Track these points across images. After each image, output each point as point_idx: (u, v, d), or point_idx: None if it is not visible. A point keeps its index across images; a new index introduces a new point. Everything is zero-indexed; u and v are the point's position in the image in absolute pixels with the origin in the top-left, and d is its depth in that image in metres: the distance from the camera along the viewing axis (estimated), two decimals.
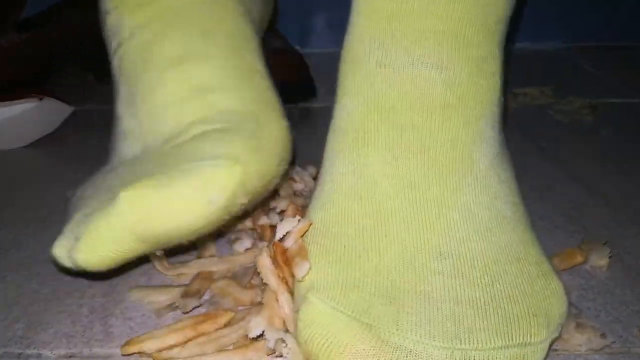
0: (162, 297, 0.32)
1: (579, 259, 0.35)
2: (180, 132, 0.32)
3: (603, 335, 0.29)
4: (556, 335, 0.27)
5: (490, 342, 0.25)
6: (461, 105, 0.31)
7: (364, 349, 0.25)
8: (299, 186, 0.40)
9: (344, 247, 0.29)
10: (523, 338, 0.25)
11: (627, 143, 0.53)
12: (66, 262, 0.28)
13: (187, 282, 0.33)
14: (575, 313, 0.30)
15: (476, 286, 0.27)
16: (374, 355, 0.24)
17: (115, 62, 0.36)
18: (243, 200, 0.29)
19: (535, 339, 0.26)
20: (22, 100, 0.50)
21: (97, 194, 0.31)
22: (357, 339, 0.25)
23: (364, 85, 0.32)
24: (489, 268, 0.28)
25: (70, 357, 0.29)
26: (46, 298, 0.33)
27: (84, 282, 0.34)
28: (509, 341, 0.25)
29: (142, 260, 0.32)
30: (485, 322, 0.26)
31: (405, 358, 0.25)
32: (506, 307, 0.26)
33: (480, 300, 0.27)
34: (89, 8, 0.64)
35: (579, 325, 0.29)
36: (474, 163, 0.30)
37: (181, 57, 0.33)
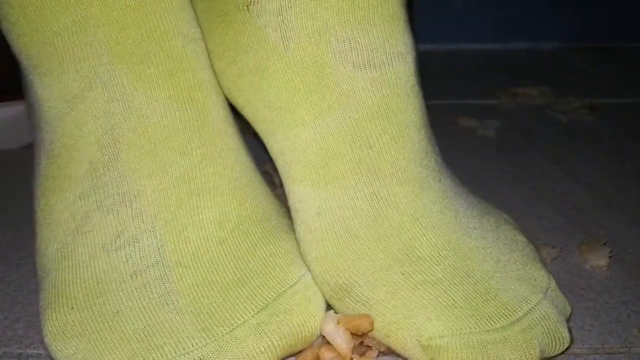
0: None
1: None
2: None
3: (553, 247, 0.36)
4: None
5: (528, 303, 0.27)
6: (418, 88, 0.30)
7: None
8: None
9: (401, 278, 0.27)
10: (551, 281, 0.29)
11: (627, 143, 0.53)
12: None
13: None
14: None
15: (503, 254, 0.29)
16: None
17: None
18: None
19: (550, 279, 0.29)
20: (22, 101, 0.50)
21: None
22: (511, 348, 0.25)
23: (345, 94, 0.28)
24: (493, 236, 0.30)
25: None
26: None
27: None
28: (552, 285, 0.28)
29: None
30: (514, 289, 0.27)
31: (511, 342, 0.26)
32: (529, 265, 0.29)
33: (518, 261, 0.29)
34: None
35: (536, 246, 0.33)
36: (434, 146, 0.31)
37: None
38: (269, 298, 0.27)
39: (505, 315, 0.26)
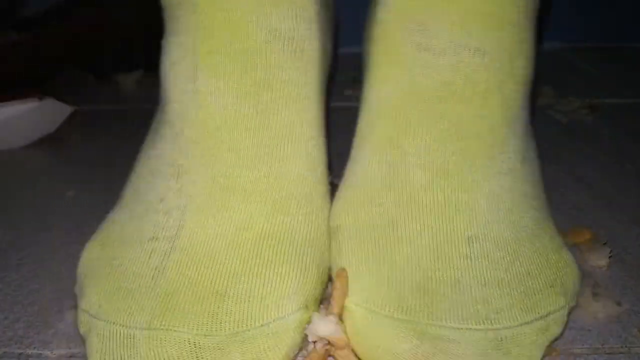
0: None
1: (587, 235, 0.37)
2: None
3: (619, 303, 0.30)
4: (573, 303, 0.28)
5: (517, 319, 0.26)
6: (501, 89, 0.30)
7: (404, 348, 0.25)
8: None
9: (376, 240, 0.29)
10: (544, 309, 0.27)
11: (627, 143, 0.53)
12: None
13: None
14: (592, 284, 0.32)
15: (500, 266, 0.28)
16: (415, 350, 0.25)
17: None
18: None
19: (555, 307, 0.27)
20: (22, 100, 0.50)
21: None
22: (396, 339, 0.26)
23: (401, 70, 0.30)
24: (510, 247, 0.29)
25: (70, 357, 0.29)
26: (46, 298, 0.33)
27: None
28: (533, 315, 0.26)
29: None
30: (510, 300, 0.27)
31: (444, 346, 0.25)
32: (527, 283, 0.27)
33: (504, 280, 0.27)
34: (89, 8, 0.65)
35: (595, 294, 0.31)
36: (505, 146, 0.30)
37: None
38: (227, 331, 0.26)
39: (411, 312, 0.26)
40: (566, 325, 0.28)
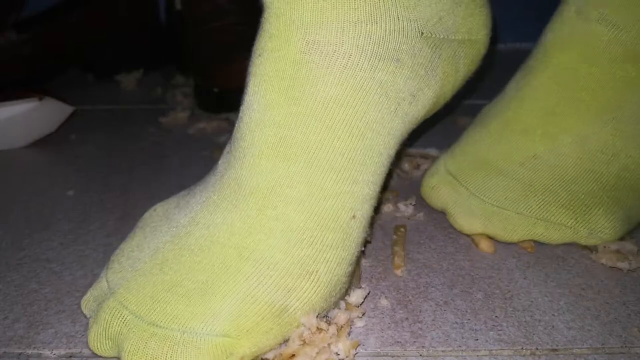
0: None
1: None
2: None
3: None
4: (584, 231, 0.36)
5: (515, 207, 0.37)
6: (630, 62, 0.35)
7: (461, 205, 0.38)
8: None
9: (474, 130, 0.40)
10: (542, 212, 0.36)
11: None
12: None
13: None
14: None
15: (543, 176, 0.37)
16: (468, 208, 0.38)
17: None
18: None
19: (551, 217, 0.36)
20: (22, 100, 0.50)
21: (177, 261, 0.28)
22: (460, 203, 0.38)
23: (562, 30, 0.38)
24: (563, 172, 0.37)
25: (70, 357, 0.29)
26: (46, 298, 0.33)
27: (84, 282, 0.34)
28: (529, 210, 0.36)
29: None
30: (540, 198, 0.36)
31: (497, 216, 0.37)
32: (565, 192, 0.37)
33: (546, 185, 0.37)
34: (89, 8, 0.65)
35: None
36: (618, 111, 0.36)
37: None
38: (147, 318, 0.26)
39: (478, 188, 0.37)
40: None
